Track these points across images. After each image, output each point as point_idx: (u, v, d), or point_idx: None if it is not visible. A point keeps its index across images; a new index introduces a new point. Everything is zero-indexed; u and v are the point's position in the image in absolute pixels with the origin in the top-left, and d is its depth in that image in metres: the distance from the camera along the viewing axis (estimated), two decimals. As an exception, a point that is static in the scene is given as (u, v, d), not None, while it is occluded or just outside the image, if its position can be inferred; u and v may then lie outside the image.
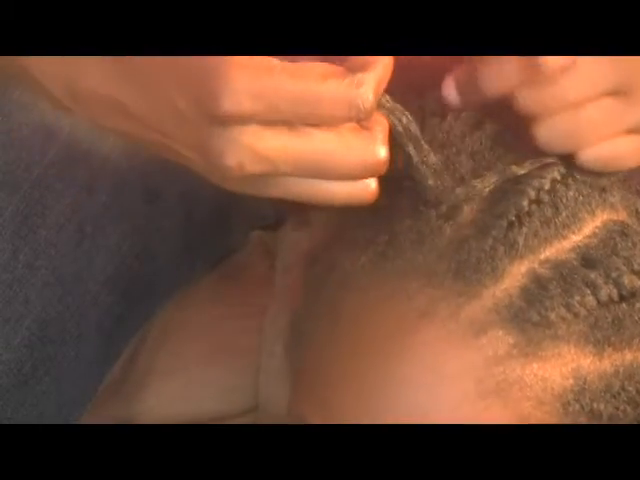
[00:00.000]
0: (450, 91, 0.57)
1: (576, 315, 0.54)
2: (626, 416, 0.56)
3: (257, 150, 0.51)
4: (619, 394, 0.55)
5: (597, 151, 0.56)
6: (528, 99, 0.55)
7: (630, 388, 0.55)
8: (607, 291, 0.55)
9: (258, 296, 0.69)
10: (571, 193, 0.56)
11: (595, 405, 0.54)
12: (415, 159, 0.55)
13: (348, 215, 0.57)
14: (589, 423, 0.54)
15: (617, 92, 0.55)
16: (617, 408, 0.55)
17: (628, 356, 0.55)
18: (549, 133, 0.56)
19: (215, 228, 0.76)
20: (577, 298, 0.54)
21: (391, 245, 0.56)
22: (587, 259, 0.55)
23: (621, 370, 0.55)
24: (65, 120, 0.67)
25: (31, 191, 0.67)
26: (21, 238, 0.67)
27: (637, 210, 0.59)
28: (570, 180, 0.57)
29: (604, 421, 0.55)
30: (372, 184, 0.53)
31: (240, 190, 0.54)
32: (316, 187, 0.53)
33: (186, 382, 0.69)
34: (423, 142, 0.55)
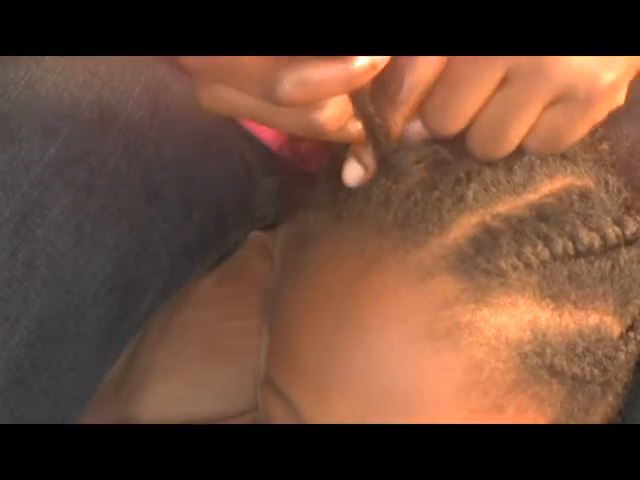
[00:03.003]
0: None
1: (528, 265, 0.54)
2: (593, 379, 0.56)
3: None
4: (584, 355, 0.55)
5: (533, 136, 0.54)
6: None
7: (597, 351, 0.56)
8: (561, 244, 0.55)
9: (258, 296, 0.69)
10: (526, 157, 0.56)
11: (556, 361, 0.54)
12: (376, 119, 0.54)
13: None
14: (551, 379, 0.54)
15: (507, 79, 0.53)
16: (582, 369, 0.55)
17: (593, 317, 0.56)
18: (474, 142, 0.55)
19: (214, 228, 0.76)
20: (528, 248, 0.54)
21: (347, 202, 0.57)
22: (541, 214, 0.55)
23: (585, 331, 0.55)
24: (65, 120, 0.67)
25: (30, 190, 0.67)
26: (20, 237, 0.67)
27: (607, 181, 0.59)
28: None
29: (568, 380, 0.55)
30: None
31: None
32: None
33: (186, 382, 0.69)
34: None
